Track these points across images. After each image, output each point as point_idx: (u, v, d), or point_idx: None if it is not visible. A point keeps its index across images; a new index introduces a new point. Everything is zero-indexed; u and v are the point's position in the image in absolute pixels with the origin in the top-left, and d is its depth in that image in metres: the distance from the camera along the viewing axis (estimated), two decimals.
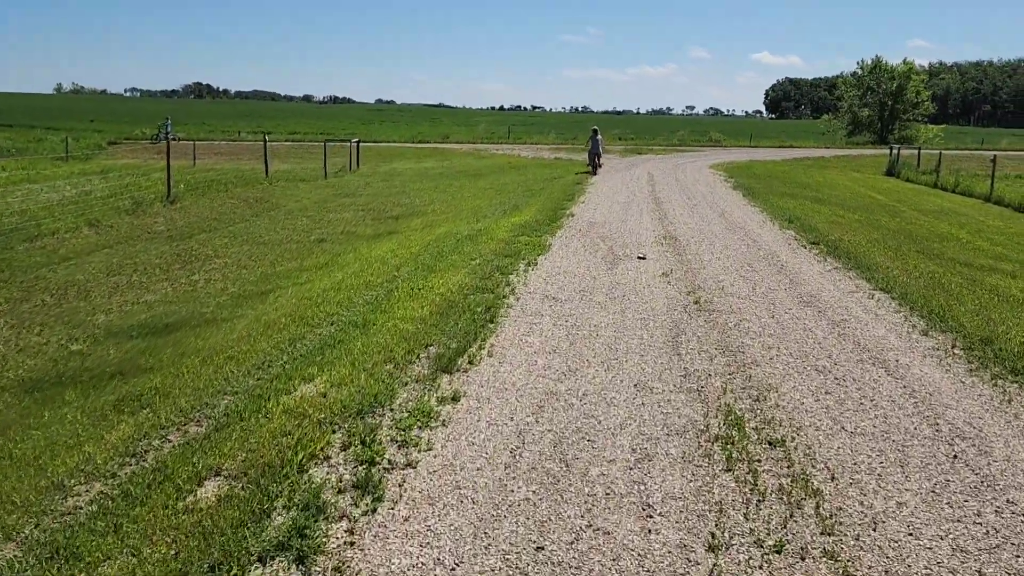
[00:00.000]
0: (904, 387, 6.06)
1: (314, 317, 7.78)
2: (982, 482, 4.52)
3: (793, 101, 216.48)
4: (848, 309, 8.45)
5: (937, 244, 13.71)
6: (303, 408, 5.08)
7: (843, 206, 18.88)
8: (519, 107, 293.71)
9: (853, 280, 9.99)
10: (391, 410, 5.19)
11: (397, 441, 4.71)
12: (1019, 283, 10.69)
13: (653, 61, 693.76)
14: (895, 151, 33.89)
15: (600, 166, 27.22)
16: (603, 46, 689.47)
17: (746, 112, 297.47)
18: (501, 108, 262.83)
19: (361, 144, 35.65)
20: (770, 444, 4.91)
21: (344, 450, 4.56)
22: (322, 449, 4.51)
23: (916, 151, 35.95)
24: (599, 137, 27.41)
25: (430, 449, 4.65)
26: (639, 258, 11.14)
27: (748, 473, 4.51)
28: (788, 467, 4.61)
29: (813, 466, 4.64)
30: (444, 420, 5.07)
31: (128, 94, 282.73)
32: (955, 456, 4.86)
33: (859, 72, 64.70)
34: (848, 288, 9.54)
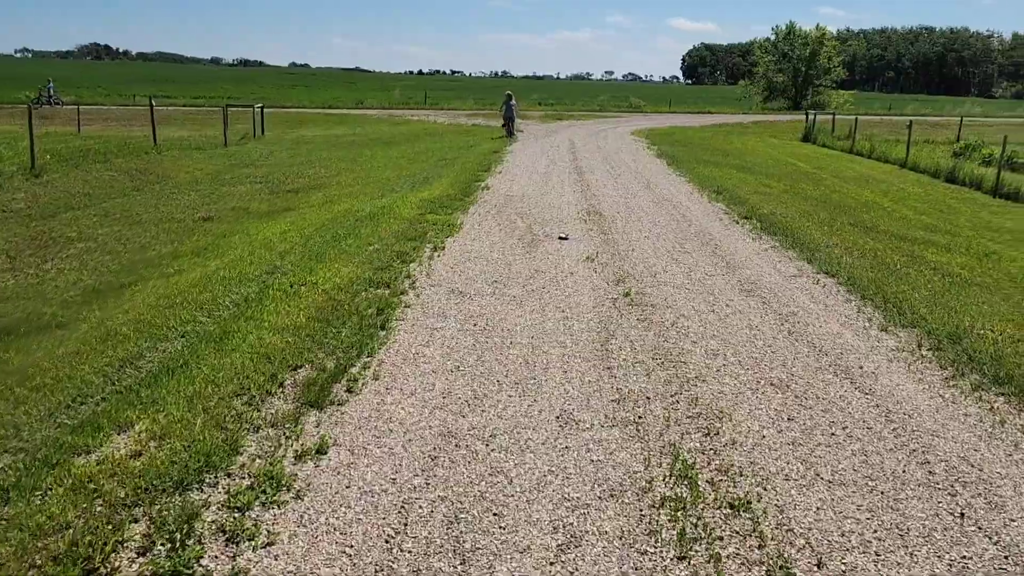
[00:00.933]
0: (877, 407, 4.97)
1: (165, 325, 6.24)
2: (1006, 557, 3.41)
3: (709, 67, 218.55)
4: (795, 299, 7.37)
5: (867, 215, 12.92)
6: (99, 480, 3.61)
7: (767, 175, 18.04)
8: (438, 71, 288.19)
9: (793, 262, 8.96)
10: (228, 476, 3.77)
11: (225, 533, 3.31)
12: (957, 258, 9.90)
13: (573, 26, 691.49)
14: (811, 117, 33.53)
15: (516, 132, 25.93)
16: (524, 11, 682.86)
17: (664, 78, 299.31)
18: (420, 73, 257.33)
19: (270, 110, 33.28)
20: (732, 507, 3.71)
21: (141, 556, 3.13)
22: (107, 558, 3.07)
23: (831, 116, 35.72)
24: (513, 103, 26.08)
25: (270, 544, 3.27)
26: (561, 238, 9.86)
27: (709, 561, 3.29)
28: (759, 547, 3.41)
29: (792, 543, 3.45)
30: (300, 490, 3.69)
31: (19, 55, 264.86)
32: (963, 515, 3.75)
33: (774, 38, 64.69)
34: (790, 272, 8.48)
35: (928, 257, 9.75)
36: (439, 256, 8.64)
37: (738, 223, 11.37)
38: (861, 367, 5.64)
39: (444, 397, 4.84)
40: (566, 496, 3.74)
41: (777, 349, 5.96)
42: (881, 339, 6.30)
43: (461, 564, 3.20)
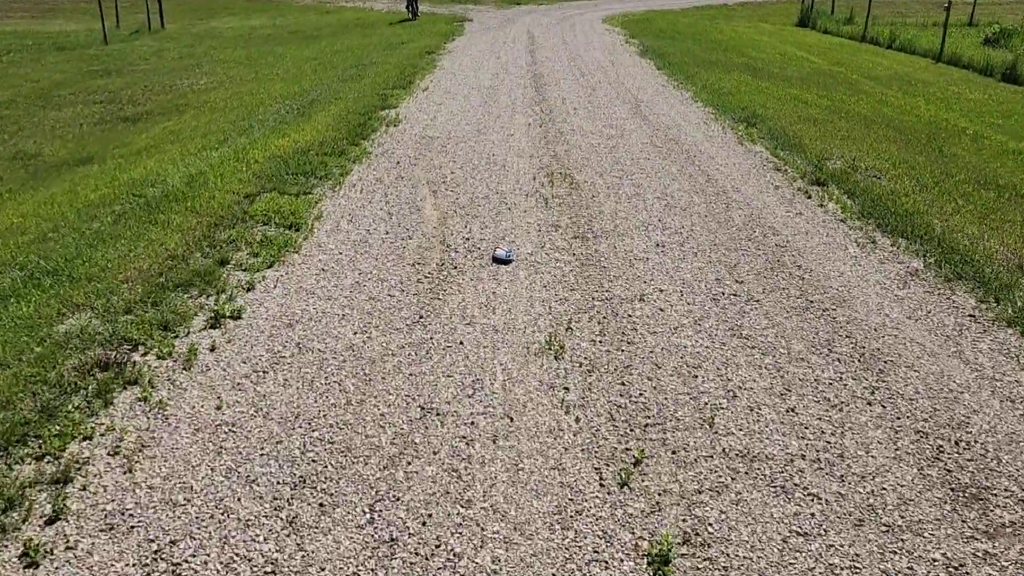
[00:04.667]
0: None
1: None
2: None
3: None
4: None
5: (964, 152, 8.02)
6: None
7: (786, 79, 12.84)
8: None
9: (993, 332, 4.02)
10: None
11: None
12: None
13: None
14: None
15: (417, 14, 22.15)
16: None
17: None
18: None
19: None
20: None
21: None
22: None
23: None
24: None
25: None
26: (497, 260, 4.81)
27: None
28: None
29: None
30: None
31: None
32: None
33: None
34: (997, 361, 3.57)
35: None
36: (218, 356, 3.61)
37: (813, 198, 6.35)
38: None
39: None
40: None
41: None
42: None
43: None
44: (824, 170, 6.98)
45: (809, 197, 6.33)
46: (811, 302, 4.38)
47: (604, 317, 4.10)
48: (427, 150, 7.48)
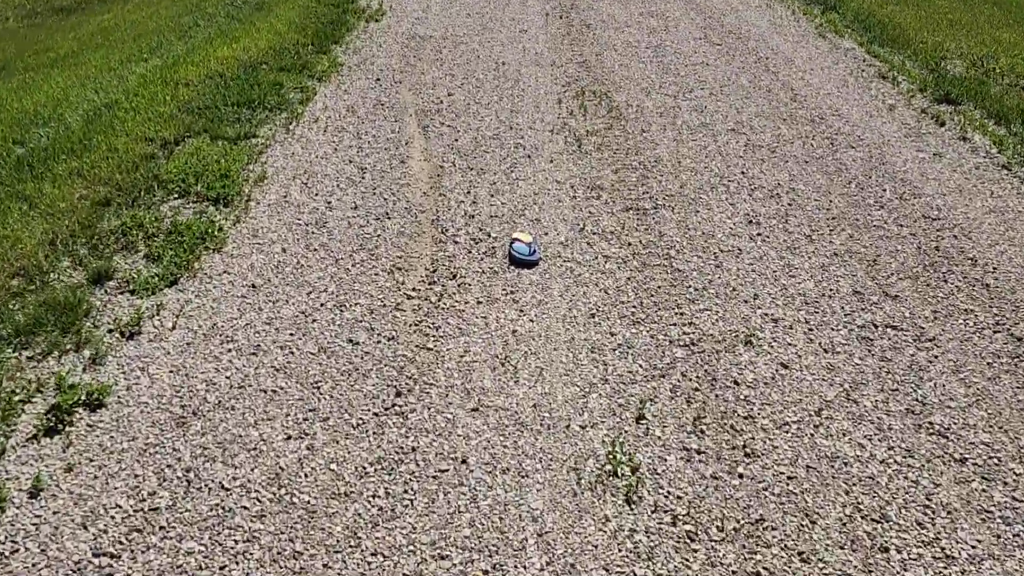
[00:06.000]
0: None
1: None
2: None
3: None
4: None
5: None
6: None
7: None
8: None
9: None
10: None
11: None
12: None
13: None
14: None
15: None
16: None
17: None
18: None
19: None
20: None
21: None
22: None
23: None
24: None
25: None
26: (516, 262, 3.18)
27: None
28: None
29: None
30: None
31: None
32: None
33: None
34: None
35: None
36: None
37: (957, 130, 4.69)
38: None
39: None
40: None
41: None
42: None
43: None
44: (947, 78, 5.10)
45: (942, 125, 4.51)
46: (1019, 340, 2.72)
47: (696, 389, 2.47)
48: (416, 58, 5.60)
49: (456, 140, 4.31)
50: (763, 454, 2.23)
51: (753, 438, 2.28)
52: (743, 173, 3.93)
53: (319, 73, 5.28)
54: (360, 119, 4.58)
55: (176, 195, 3.68)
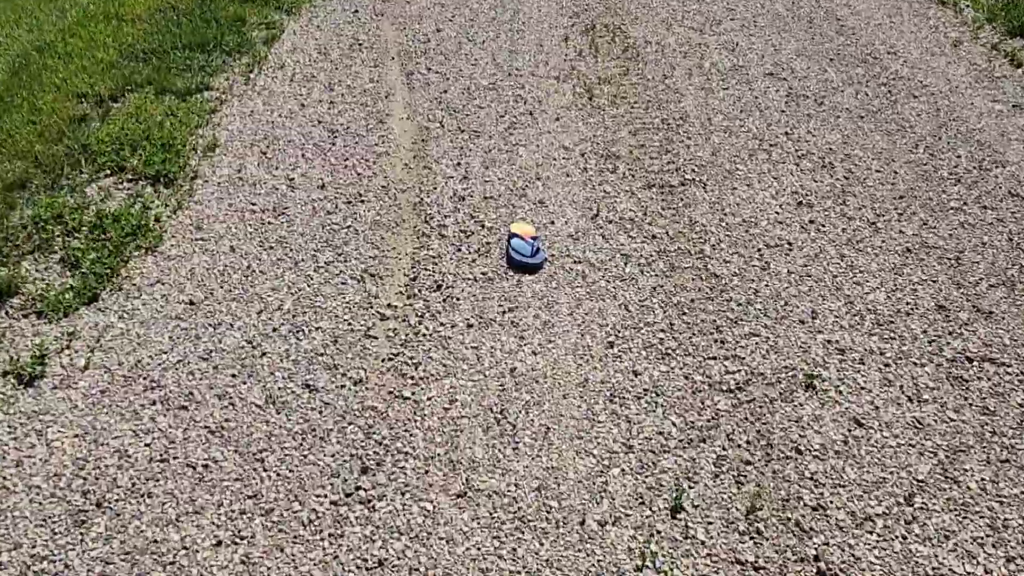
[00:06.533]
0: None
1: None
2: None
3: None
4: None
5: None
6: None
7: None
8: None
9: None
10: None
11: None
12: None
13: None
14: None
15: None
16: None
17: None
18: None
19: None
20: None
21: None
22: None
23: None
24: None
25: None
26: (514, 266, 2.58)
27: None
28: None
29: None
30: None
31: None
32: None
33: None
34: None
35: None
36: None
37: None
38: None
39: None
40: None
41: None
42: None
43: None
44: (1021, 4, 4.31)
45: (1019, 66, 3.77)
46: None
47: (747, 462, 1.90)
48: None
49: (445, 91, 3.61)
50: (841, 571, 1.67)
51: (827, 543, 1.72)
52: (787, 134, 3.26)
53: (288, 3, 4.51)
54: (334, 64, 3.87)
55: (107, 171, 3.04)
